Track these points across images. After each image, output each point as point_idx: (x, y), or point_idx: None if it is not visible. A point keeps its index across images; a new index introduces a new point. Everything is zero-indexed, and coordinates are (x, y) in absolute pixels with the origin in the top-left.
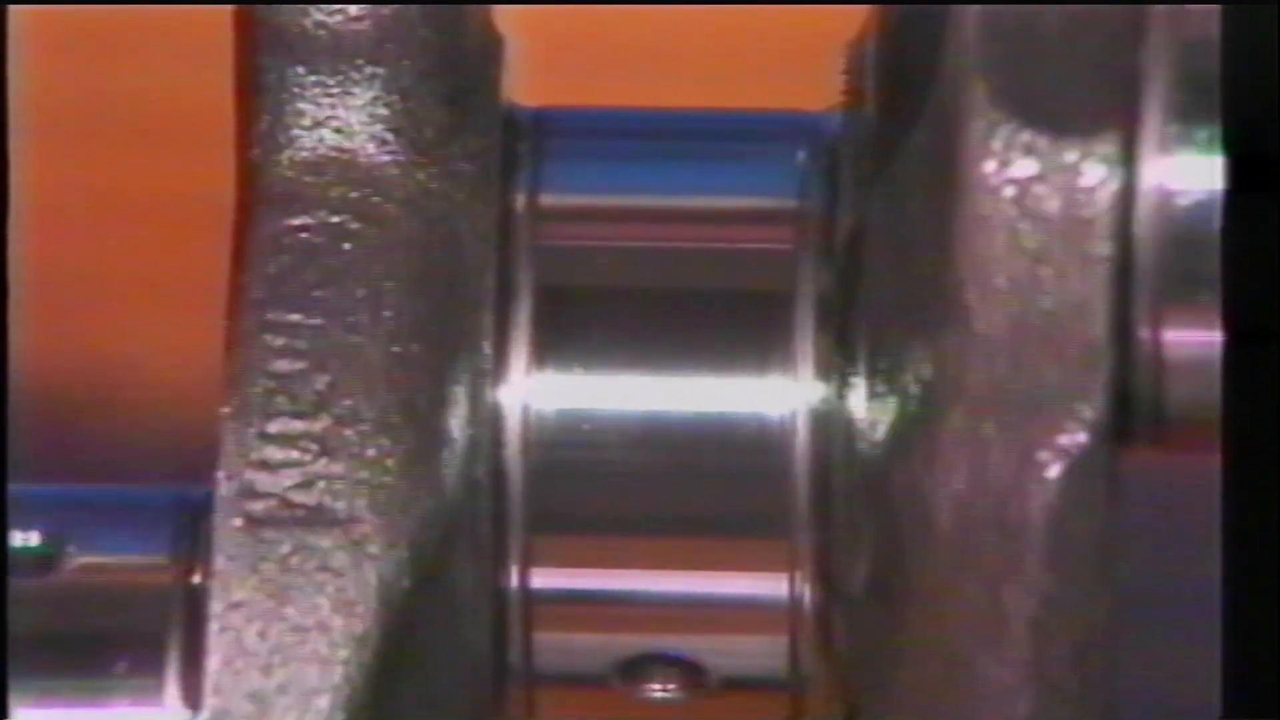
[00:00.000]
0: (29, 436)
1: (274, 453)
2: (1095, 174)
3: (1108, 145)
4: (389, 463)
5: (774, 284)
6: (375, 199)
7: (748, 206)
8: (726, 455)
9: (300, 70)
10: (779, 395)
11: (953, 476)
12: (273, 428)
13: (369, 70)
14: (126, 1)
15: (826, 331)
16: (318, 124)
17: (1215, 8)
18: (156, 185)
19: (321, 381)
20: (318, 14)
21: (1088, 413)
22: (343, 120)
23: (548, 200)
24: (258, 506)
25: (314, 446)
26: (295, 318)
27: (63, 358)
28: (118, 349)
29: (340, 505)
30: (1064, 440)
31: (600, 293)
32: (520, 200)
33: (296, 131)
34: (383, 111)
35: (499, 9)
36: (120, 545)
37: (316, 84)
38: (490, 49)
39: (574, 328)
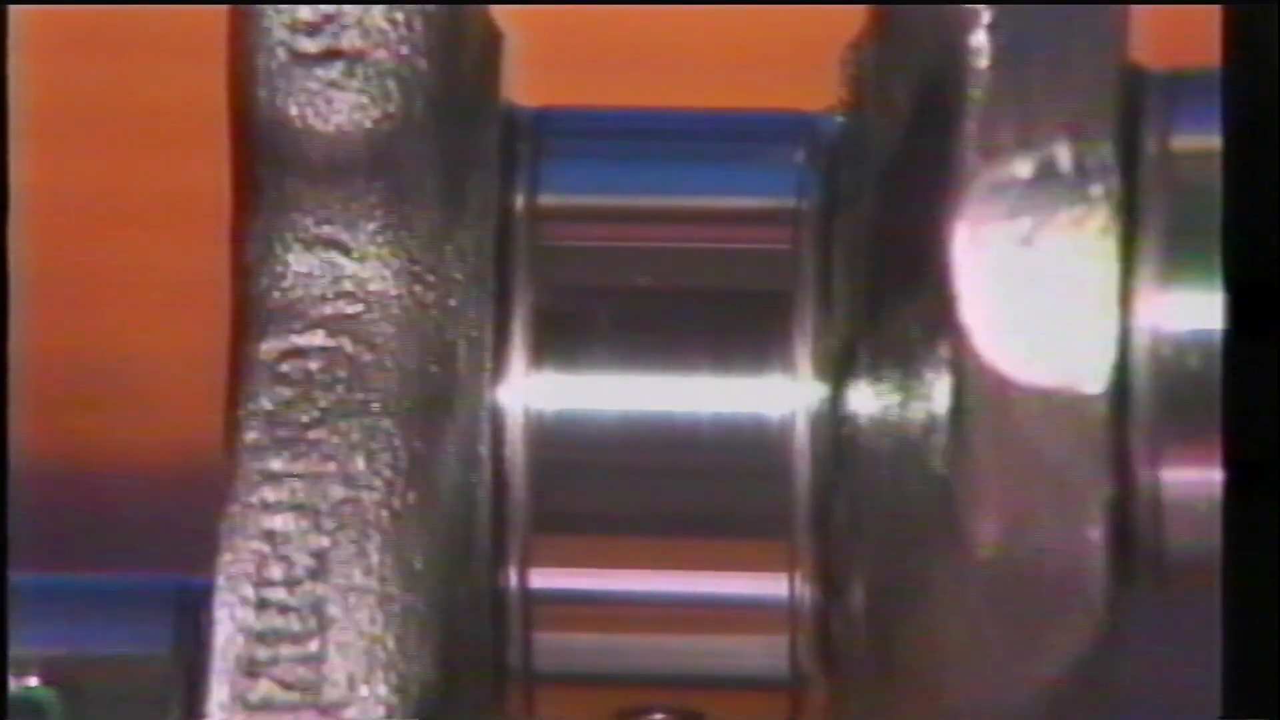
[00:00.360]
0: (29, 436)
1: (269, 622)
2: (1090, 421)
3: (1099, 398)
4: (387, 639)
5: (773, 284)
6: (370, 315)
7: (747, 206)
8: (726, 455)
9: (297, 181)
10: (778, 395)
11: (957, 674)
12: (268, 594)
13: (366, 183)
14: (126, 1)
15: (826, 331)
16: (314, 236)
17: (1206, 154)
18: (156, 185)
19: (317, 544)
20: (314, 141)
21: (1086, 630)
22: (339, 232)
23: (547, 200)
24: (253, 694)
25: (311, 620)
26: (291, 466)
27: (63, 358)
28: (118, 349)
29: (337, 682)
30: (1060, 654)
31: (600, 292)
32: (519, 200)
33: (292, 241)
34: (378, 223)
35: (499, 8)
36: (121, 639)
37: (313, 196)
38: (488, 110)
39: (574, 328)
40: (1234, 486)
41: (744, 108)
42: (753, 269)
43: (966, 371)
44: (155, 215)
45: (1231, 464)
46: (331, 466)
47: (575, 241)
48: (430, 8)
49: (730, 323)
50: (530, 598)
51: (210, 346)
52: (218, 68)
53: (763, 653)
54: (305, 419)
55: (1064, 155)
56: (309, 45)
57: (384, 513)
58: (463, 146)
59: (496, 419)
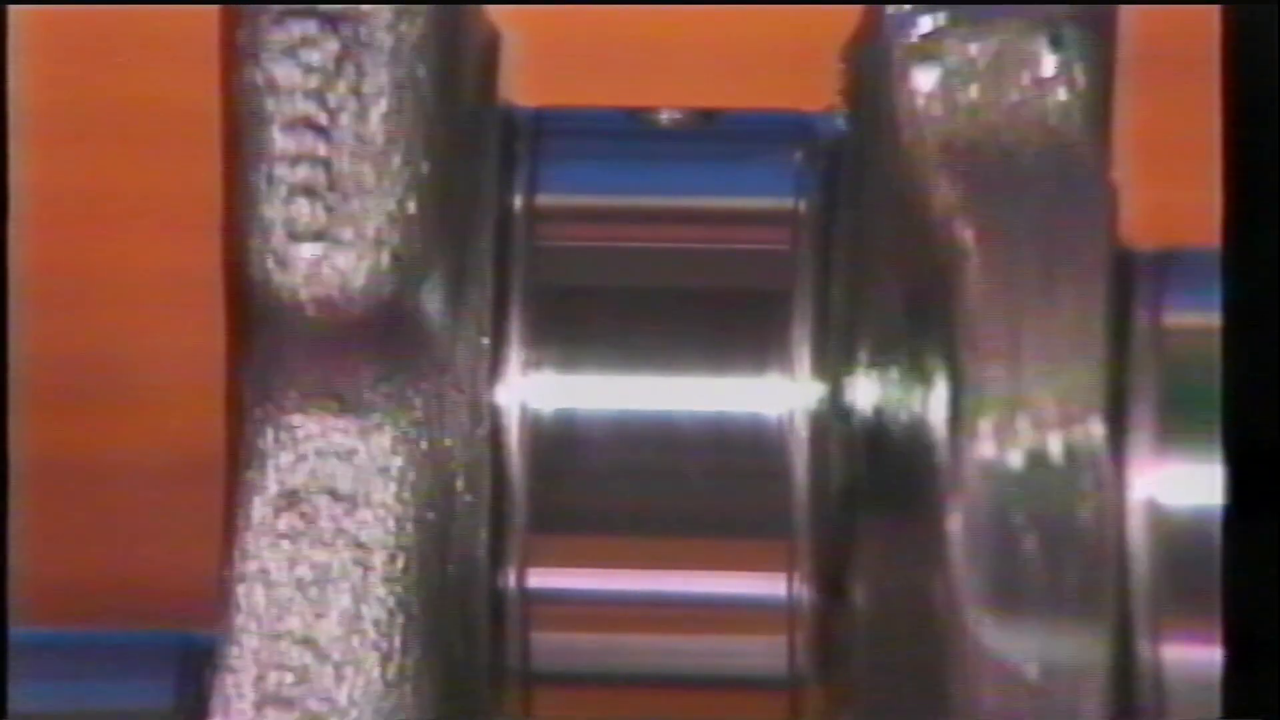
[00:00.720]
0: (29, 436)
1: None
2: (1090, 667)
3: (1098, 633)
4: None
5: (772, 284)
6: (367, 466)
7: (746, 206)
8: (725, 455)
9: (293, 346)
10: (777, 395)
11: None
12: None
13: (361, 343)
14: (126, 1)
15: (825, 331)
16: (309, 390)
17: (1197, 330)
18: (156, 185)
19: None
20: (309, 315)
21: None
22: (334, 385)
23: (545, 200)
24: None
25: None
26: (288, 630)
27: (63, 358)
28: (118, 349)
29: None
30: None
31: (598, 293)
32: (518, 200)
33: (288, 392)
34: (374, 373)
35: (499, 8)
36: (124, 694)
37: (308, 356)
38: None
39: (572, 328)
40: (1233, 663)
41: (743, 108)
42: (752, 269)
43: (968, 664)
44: (155, 215)
45: (1231, 641)
46: (324, 638)
47: (574, 241)
48: (432, 9)
49: (729, 323)
50: (529, 598)
51: (210, 346)
52: (217, 68)
53: (762, 653)
54: (300, 579)
55: (1055, 446)
56: (304, 225)
57: (379, 687)
58: (461, 241)
59: (495, 419)
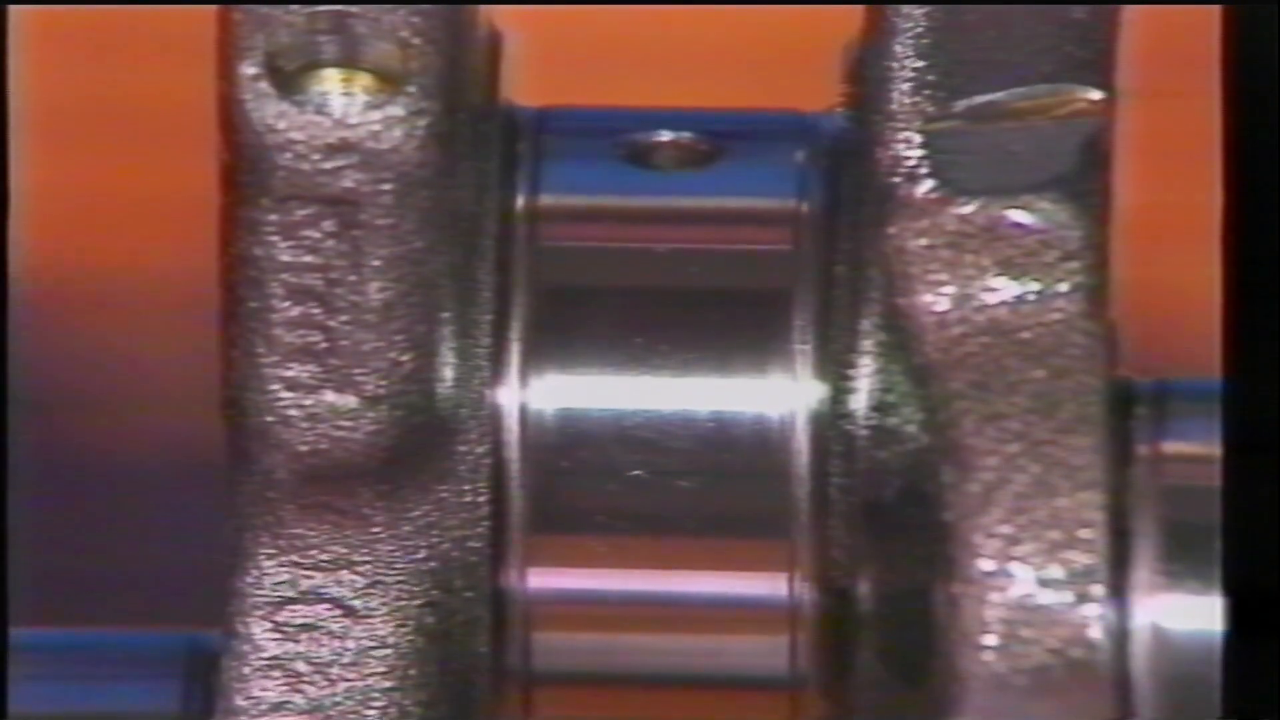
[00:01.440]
0: (29, 436)
1: None
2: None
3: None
4: None
5: (774, 284)
6: (363, 612)
7: (747, 206)
8: (726, 455)
9: (292, 479)
10: (779, 395)
11: None
12: None
13: (362, 477)
14: (127, 1)
15: (827, 332)
16: (306, 508)
17: (1197, 458)
18: (156, 185)
19: None
20: (306, 467)
21: None
22: (333, 514)
23: (547, 200)
24: None
25: None
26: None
27: (63, 358)
28: (118, 349)
29: None
30: None
31: (600, 293)
32: (519, 200)
33: (288, 522)
34: (366, 500)
35: (499, 8)
36: (129, 697)
37: (307, 484)
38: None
39: (574, 328)
40: None
41: (744, 108)
42: (753, 269)
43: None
44: (155, 215)
45: None
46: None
47: (575, 241)
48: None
49: (730, 323)
50: (530, 598)
51: (210, 347)
52: (216, 69)
53: (763, 653)
54: (294, 703)
55: (1056, 573)
56: (304, 384)
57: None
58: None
59: (495, 419)
